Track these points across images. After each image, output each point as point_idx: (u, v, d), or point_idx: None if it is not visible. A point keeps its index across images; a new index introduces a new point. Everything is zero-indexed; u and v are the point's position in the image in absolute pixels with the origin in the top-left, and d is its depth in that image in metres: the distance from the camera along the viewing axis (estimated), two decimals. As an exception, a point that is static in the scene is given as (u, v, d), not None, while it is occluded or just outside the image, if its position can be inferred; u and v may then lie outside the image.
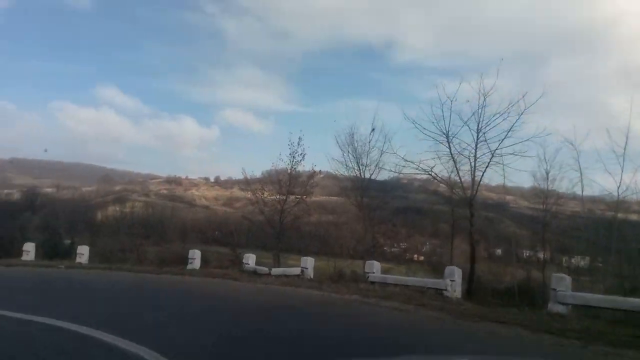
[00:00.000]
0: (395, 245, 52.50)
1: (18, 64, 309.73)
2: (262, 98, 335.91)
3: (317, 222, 56.17)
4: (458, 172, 18.16)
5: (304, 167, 25.37)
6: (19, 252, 19.03)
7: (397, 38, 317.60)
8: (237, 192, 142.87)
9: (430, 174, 18.93)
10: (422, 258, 55.37)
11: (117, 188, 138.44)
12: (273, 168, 25.85)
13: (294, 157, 25.23)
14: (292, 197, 26.68)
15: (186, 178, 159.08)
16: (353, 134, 23.38)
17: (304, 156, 25.22)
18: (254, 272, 15.56)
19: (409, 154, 20.41)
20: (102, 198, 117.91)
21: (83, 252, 18.43)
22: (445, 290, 11.54)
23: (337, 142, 24.46)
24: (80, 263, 17.93)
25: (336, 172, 25.78)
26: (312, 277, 15.17)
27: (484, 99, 17.26)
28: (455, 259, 38.36)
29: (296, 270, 15.26)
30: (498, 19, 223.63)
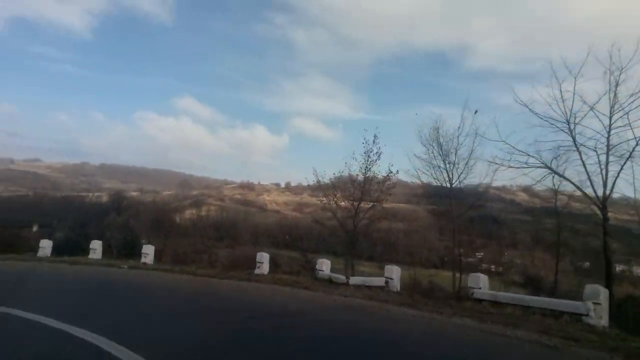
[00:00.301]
0: (471, 256, 49.02)
1: (107, 77, 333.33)
2: (331, 106, 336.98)
3: (386, 229, 53.10)
4: (585, 167, 14.28)
5: (379, 166, 22.64)
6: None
7: (469, 43, 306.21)
8: (306, 197, 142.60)
9: (550, 168, 15.07)
10: (500, 269, 51.23)
11: (195, 193, 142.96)
12: (346, 169, 23.19)
13: (368, 156, 22.63)
14: (365, 200, 24.03)
15: (258, 184, 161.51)
16: (438, 128, 20.19)
17: (379, 155, 22.56)
18: (329, 281, 13.13)
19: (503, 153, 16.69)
20: (180, 202, 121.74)
21: (148, 252, 16.94)
22: (587, 315, 8.46)
23: (420, 137, 21.28)
24: (144, 264, 16.45)
25: (415, 174, 22.54)
26: (398, 289, 12.51)
27: (619, 74, 13.57)
28: (547, 272, 33.83)
29: (379, 281, 12.64)
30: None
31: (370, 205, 24.12)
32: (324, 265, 14.02)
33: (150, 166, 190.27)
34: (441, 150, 20.00)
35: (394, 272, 12.52)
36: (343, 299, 10.50)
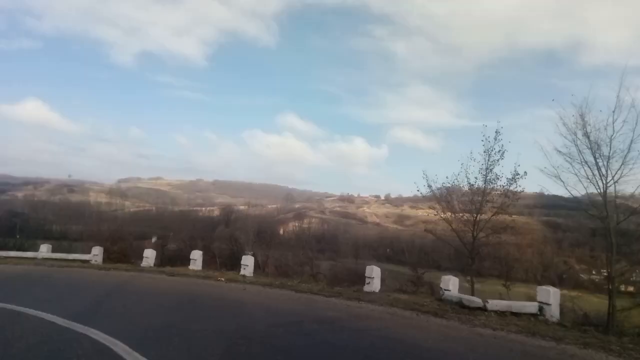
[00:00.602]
0: (594, 272, 42.30)
1: (218, 100, 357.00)
2: (431, 115, 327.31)
3: (495, 243, 47.92)
4: None
5: (502, 167, 19.03)
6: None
7: (584, 39, 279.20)
8: (407, 209, 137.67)
9: None
10: (630, 289, 43.19)
11: (297, 205, 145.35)
12: (462, 170, 19.85)
13: (489, 155, 19.18)
14: (486, 207, 20.56)
15: (358, 196, 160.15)
16: (583, 115, 15.97)
17: (502, 154, 19.00)
18: (459, 305, 10.22)
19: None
20: (284, 215, 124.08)
21: (247, 264, 15.31)
22: None
23: (563, 123, 16.96)
24: (243, 276, 14.81)
25: (553, 172, 18.41)
26: (558, 318, 9.24)
27: None
28: None
29: (531, 307, 9.47)
30: None
31: (492, 213, 20.62)
32: (451, 284, 11.11)
33: (257, 181, 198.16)
34: (589, 142, 15.83)
35: (551, 296, 9.26)
36: (492, 332, 7.57)
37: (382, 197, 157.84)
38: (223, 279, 13.64)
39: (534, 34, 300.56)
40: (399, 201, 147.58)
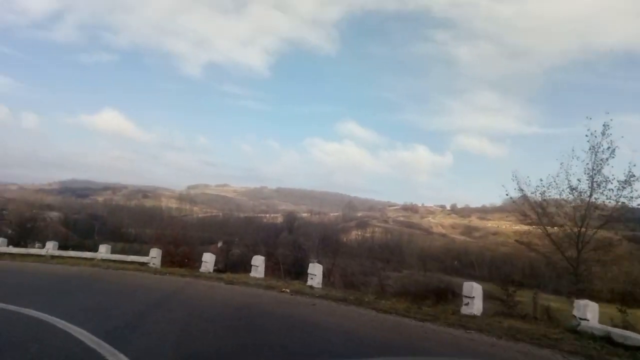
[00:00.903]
0: None
1: (280, 109, 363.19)
2: (498, 121, 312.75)
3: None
4: None
5: (613, 168, 15.76)
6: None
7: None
8: (475, 220, 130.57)
9: None
10: None
11: (359, 214, 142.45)
12: (562, 170, 16.72)
13: (595, 153, 16.02)
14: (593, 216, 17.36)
15: (422, 205, 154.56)
16: None
17: (613, 151, 15.75)
18: (608, 341, 7.37)
19: None
20: (345, 223, 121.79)
21: (315, 273, 13.14)
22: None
23: None
24: (311, 287, 12.67)
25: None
26: None
27: None
28: None
29: None
30: None
31: (601, 223, 17.34)
32: (589, 312, 8.21)
33: (318, 189, 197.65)
34: None
35: None
36: None
37: (448, 207, 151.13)
38: (288, 290, 11.54)
39: (611, 34, 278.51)
40: (466, 211, 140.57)
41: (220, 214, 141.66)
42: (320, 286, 13.21)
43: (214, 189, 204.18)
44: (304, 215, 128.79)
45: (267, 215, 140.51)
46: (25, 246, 23.06)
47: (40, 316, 7.39)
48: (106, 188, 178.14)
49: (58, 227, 54.59)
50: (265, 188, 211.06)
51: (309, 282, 13.18)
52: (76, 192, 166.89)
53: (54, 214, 78.84)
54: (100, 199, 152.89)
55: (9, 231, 47.36)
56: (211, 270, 15.38)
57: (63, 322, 7.01)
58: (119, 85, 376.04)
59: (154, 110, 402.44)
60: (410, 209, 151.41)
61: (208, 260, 15.48)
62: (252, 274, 14.40)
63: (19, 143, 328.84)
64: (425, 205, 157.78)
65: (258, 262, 14.50)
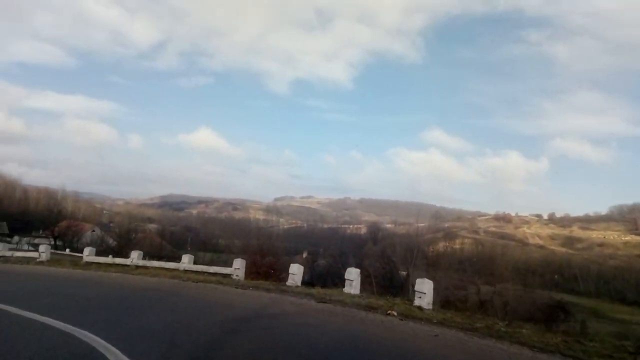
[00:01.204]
0: None
1: (363, 120, 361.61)
2: (601, 123, 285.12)
3: None
4: None
5: None
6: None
7: None
8: (577, 231, 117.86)
9: None
10: None
11: (446, 225, 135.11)
12: None
13: None
14: None
15: (515, 215, 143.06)
16: None
17: None
18: None
19: None
20: (432, 234, 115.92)
21: (424, 291, 10.56)
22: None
23: None
24: (420, 308, 10.13)
25: None
26: None
27: None
28: None
29: None
30: None
31: None
32: None
33: (403, 199, 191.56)
34: None
35: None
36: None
37: (545, 217, 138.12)
38: (395, 314, 9.12)
39: None
40: (565, 221, 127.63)
41: (305, 224, 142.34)
42: (430, 307, 10.61)
43: (299, 200, 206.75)
44: (388, 225, 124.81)
45: (351, 226, 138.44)
46: (125, 256, 23.18)
47: (93, 341, 5.79)
48: (200, 201, 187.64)
49: (155, 238, 56.87)
50: (348, 199, 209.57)
51: (417, 302, 10.63)
52: (173, 206, 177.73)
53: (153, 226, 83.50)
54: (194, 211, 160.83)
55: (111, 241, 50.08)
56: (299, 283, 13.39)
57: (116, 350, 5.33)
58: (212, 105, 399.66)
59: (243, 127, 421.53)
60: (503, 218, 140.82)
61: (296, 272, 13.52)
62: (346, 289, 12.16)
63: (126, 162, 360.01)
64: (519, 214, 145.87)
65: (352, 275, 12.22)
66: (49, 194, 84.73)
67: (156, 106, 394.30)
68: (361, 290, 12.54)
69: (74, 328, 6.33)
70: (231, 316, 7.92)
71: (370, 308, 9.69)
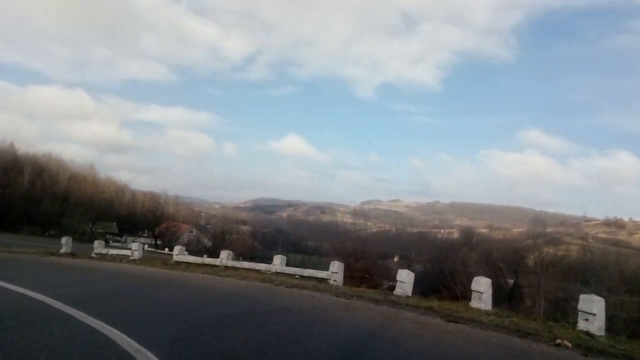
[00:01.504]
0: None
1: (452, 122, 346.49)
2: None
3: None
4: None
5: None
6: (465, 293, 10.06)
7: None
8: None
9: None
10: None
11: (548, 230, 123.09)
12: None
13: None
14: None
15: (630, 220, 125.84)
16: None
17: None
18: None
19: None
20: (532, 240, 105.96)
21: (594, 312, 7.49)
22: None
23: None
24: (589, 334, 7.20)
25: None
26: None
27: None
28: None
29: None
30: None
31: None
32: None
33: (498, 203, 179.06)
34: None
35: None
36: None
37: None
38: (569, 344, 6.34)
39: None
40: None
41: (393, 228, 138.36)
42: (602, 333, 7.62)
43: (386, 204, 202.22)
44: (483, 230, 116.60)
45: (441, 230, 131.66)
46: (219, 256, 22.56)
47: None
48: (289, 205, 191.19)
49: (247, 239, 57.50)
50: (437, 203, 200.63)
51: (582, 325, 7.69)
52: (264, 209, 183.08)
53: (245, 228, 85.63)
54: (284, 214, 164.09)
55: (206, 241, 51.29)
56: (409, 293, 10.92)
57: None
58: (300, 113, 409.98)
59: (330, 132, 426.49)
60: (614, 224, 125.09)
61: (405, 279, 11.05)
62: (474, 303, 9.47)
63: (221, 168, 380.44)
64: (634, 219, 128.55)
65: (482, 286, 9.47)
66: (153, 198, 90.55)
67: (248, 115, 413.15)
68: (500, 308, 9.77)
69: (138, 347, 4.55)
70: (338, 342, 5.73)
71: (521, 333, 6.96)
